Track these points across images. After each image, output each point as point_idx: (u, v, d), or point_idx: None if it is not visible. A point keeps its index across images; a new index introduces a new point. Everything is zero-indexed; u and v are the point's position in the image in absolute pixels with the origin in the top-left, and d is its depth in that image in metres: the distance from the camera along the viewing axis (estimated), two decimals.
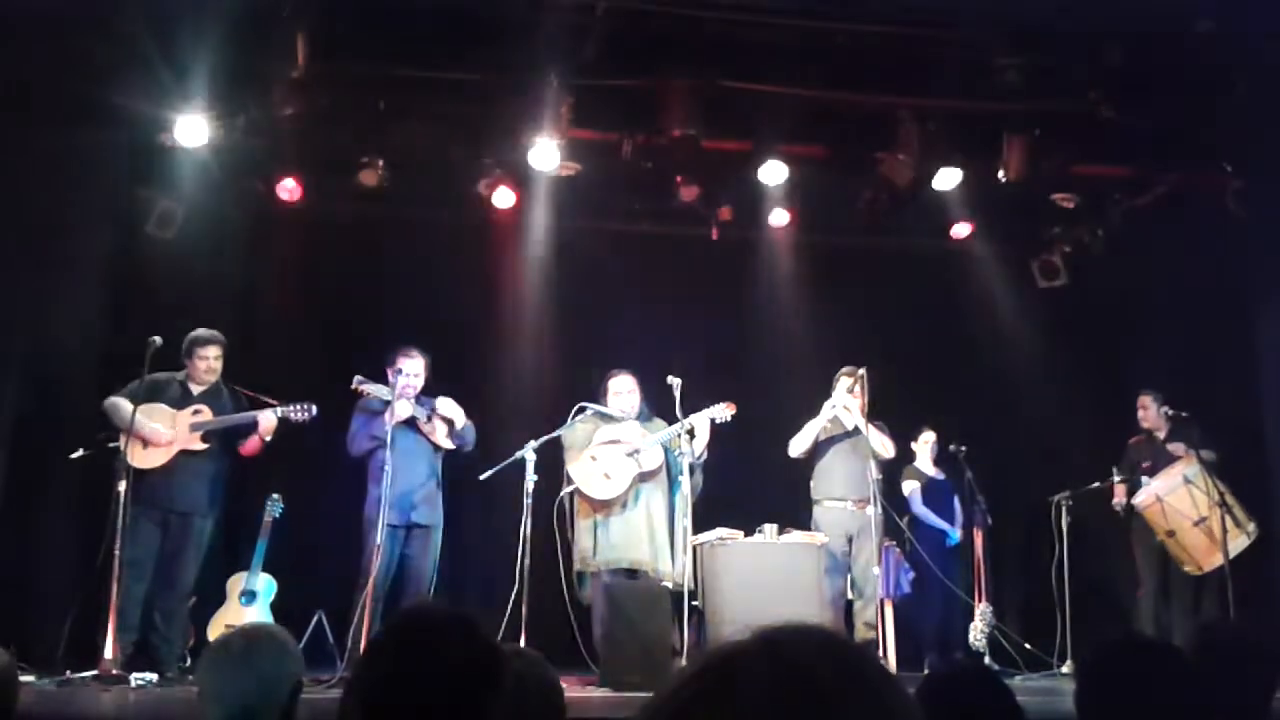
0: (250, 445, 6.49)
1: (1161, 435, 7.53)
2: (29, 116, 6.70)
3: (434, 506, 6.62)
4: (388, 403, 6.44)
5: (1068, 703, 2.50)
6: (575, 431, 6.76)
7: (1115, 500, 7.58)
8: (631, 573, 6.59)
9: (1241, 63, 6.78)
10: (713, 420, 6.74)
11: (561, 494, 6.73)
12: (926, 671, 2.48)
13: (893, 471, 7.78)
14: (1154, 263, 8.16)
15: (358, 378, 6.49)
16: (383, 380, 6.57)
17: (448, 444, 6.69)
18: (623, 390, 6.90)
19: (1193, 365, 7.81)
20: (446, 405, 6.65)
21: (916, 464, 8.22)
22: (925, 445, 8.23)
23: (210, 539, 6.46)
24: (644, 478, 6.71)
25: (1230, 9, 6.26)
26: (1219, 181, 7.69)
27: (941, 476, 8.21)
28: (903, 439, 7.76)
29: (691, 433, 6.69)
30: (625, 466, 6.68)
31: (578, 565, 6.66)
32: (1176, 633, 7.06)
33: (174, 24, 6.34)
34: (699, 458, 6.77)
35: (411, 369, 6.58)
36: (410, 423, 6.55)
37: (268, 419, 6.40)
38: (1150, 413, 7.58)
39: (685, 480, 6.54)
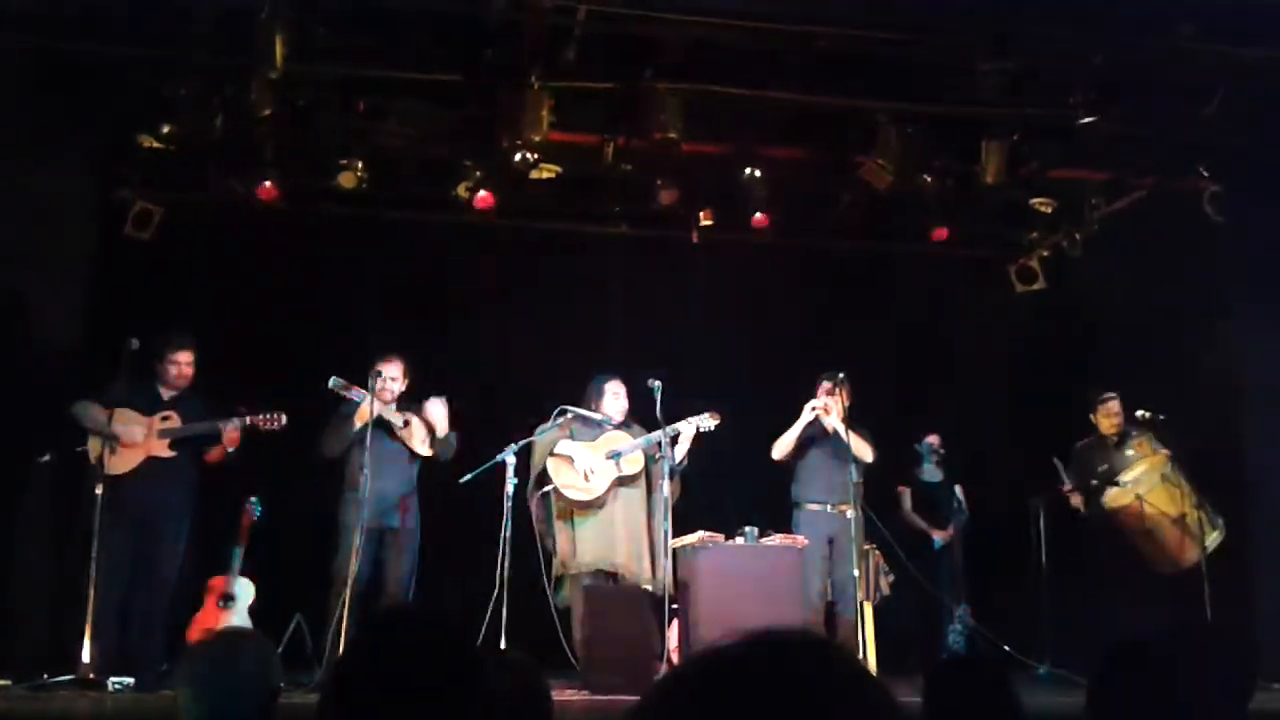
0: (213, 455, 6.45)
1: (1114, 438, 7.52)
2: (4, 115, 6.65)
3: (409, 511, 6.59)
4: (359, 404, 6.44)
5: (1049, 704, 2.55)
6: (555, 434, 6.76)
7: (1074, 503, 7.54)
8: (611, 575, 6.60)
9: (1219, 68, 6.82)
10: (697, 428, 6.76)
11: (540, 492, 6.72)
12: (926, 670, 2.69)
13: (880, 475, 7.76)
14: (1131, 267, 8.21)
15: (333, 379, 6.47)
16: (361, 384, 6.55)
17: (424, 451, 6.66)
18: (621, 393, 6.90)
19: (1170, 368, 7.86)
20: (434, 408, 6.61)
21: (916, 469, 8.27)
22: (930, 449, 8.29)
23: (185, 542, 6.42)
24: (623, 481, 6.72)
25: (1209, 15, 6.29)
26: (1196, 186, 7.73)
27: (939, 479, 8.26)
28: (889, 443, 7.77)
29: (675, 439, 6.71)
30: (605, 469, 6.69)
31: (556, 569, 6.66)
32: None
33: (152, 23, 6.30)
34: (679, 464, 6.78)
35: (389, 373, 6.57)
36: (386, 427, 6.53)
37: (235, 428, 6.36)
38: (1116, 409, 7.53)
39: (666, 484, 6.54)
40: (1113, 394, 7.55)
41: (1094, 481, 7.43)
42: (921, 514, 8.25)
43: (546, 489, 6.70)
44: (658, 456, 6.69)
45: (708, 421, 6.78)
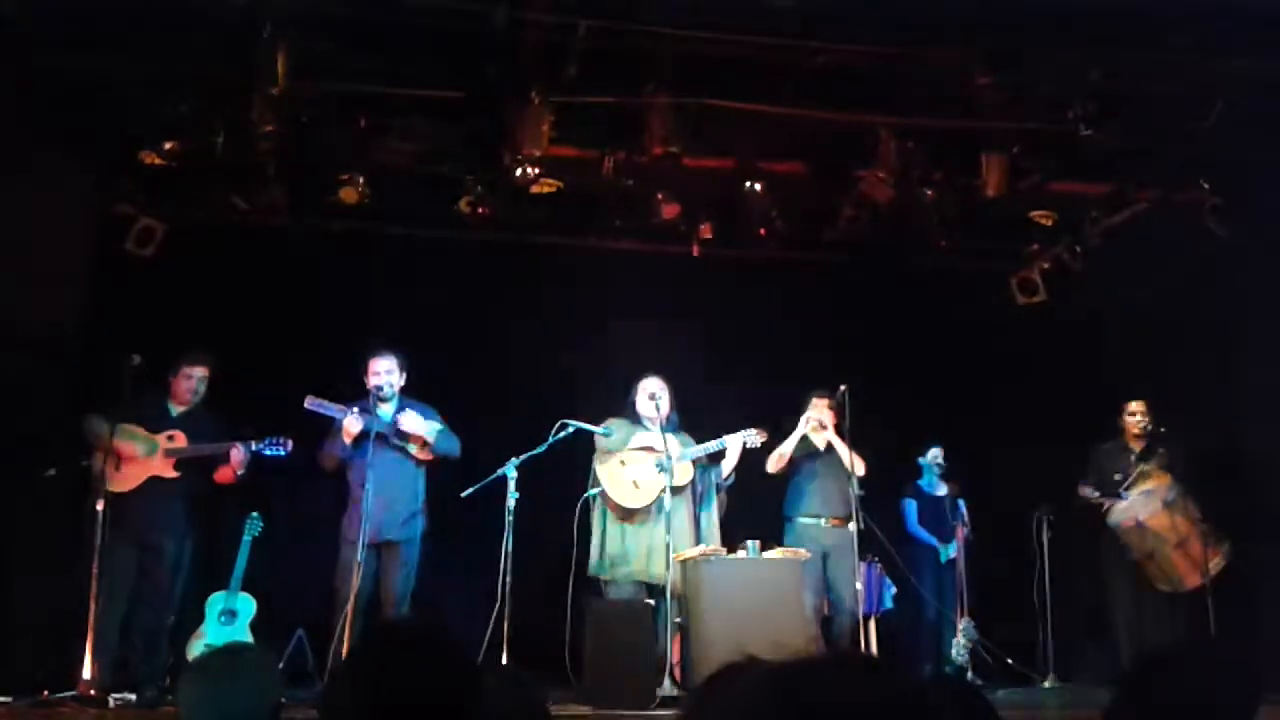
0: (223, 475, 6.45)
1: (1137, 449, 7.50)
2: (7, 131, 6.66)
3: (409, 522, 6.57)
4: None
5: (1050, 717, 2.53)
6: (613, 435, 6.77)
7: (1090, 502, 7.48)
8: (649, 587, 6.59)
9: (1219, 80, 6.82)
10: (744, 444, 6.77)
11: (585, 494, 6.74)
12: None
13: (880, 487, 7.74)
14: (1132, 279, 8.20)
15: (309, 399, 6.46)
16: (362, 391, 6.55)
17: (424, 455, 6.65)
18: (655, 392, 6.87)
19: (1170, 381, 7.84)
20: (409, 421, 6.60)
21: (920, 481, 8.30)
22: (933, 462, 8.30)
23: (187, 558, 6.42)
24: (671, 492, 6.66)
25: (1207, 27, 6.30)
26: (1196, 198, 7.73)
27: (943, 492, 8.26)
28: (894, 456, 7.77)
29: (721, 455, 6.73)
30: (654, 478, 6.68)
31: (594, 570, 6.67)
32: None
33: (154, 39, 6.31)
34: (726, 479, 6.81)
35: (383, 367, 6.56)
36: (383, 439, 6.49)
37: (240, 453, 6.35)
38: (1137, 421, 7.50)
39: (714, 496, 6.64)
40: (1137, 401, 7.52)
41: (1101, 493, 7.39)
42: (926, 527, 8.24)
43: (595, 490, 6.74)
44: (701, 466, 6.77)
45: (755, 438, 6.82)
